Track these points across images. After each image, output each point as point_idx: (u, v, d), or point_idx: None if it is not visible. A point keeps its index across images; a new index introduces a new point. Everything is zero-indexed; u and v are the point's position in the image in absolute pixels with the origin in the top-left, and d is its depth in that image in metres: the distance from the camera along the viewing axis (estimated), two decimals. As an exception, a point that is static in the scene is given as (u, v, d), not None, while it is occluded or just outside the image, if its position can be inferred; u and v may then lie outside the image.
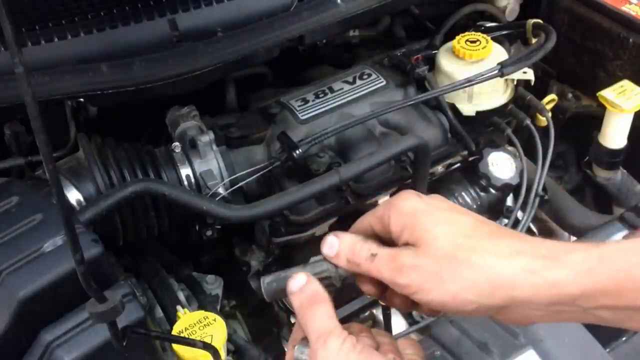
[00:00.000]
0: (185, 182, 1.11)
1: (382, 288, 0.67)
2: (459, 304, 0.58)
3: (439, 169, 1.29)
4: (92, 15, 1.11)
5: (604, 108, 1.30)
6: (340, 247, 0.65)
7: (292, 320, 1.16)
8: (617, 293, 0.54)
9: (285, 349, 1.15)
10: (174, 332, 0.92)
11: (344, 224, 1.20)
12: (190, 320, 0.93)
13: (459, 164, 1.30)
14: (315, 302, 0.63)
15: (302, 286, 0.64)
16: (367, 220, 0.67)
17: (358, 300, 1.17)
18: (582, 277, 0.55)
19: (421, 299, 0.60)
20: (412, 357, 0.64)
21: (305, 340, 0.64)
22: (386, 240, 0.65)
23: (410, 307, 0.67)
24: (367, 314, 1.20)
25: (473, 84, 1.20)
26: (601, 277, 0.54)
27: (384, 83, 1.28)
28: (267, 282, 0.68)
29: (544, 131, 1.29)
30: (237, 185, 1.12)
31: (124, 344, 0.73)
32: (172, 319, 1.01)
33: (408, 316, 1.22)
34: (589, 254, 0.56)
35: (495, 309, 0.58)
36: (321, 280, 0.66)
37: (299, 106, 1.23)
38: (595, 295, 0.55)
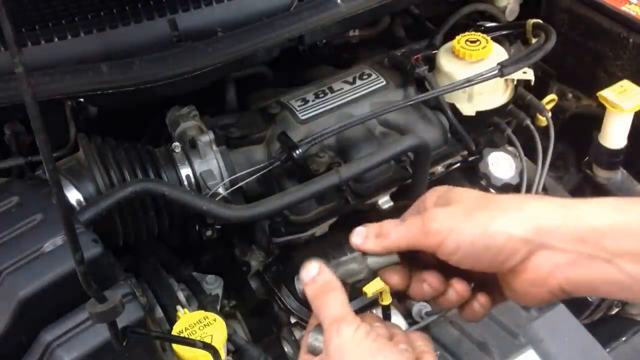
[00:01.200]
0: (185, 182, 1.11)
1: (407, 278, 0.67)
2: (489, 237, 0.57)
3: (439, 169, 1.28)
4: (92, 15, 1.11)
5: (604, 108, 1.30)
6: (367, 231, 0.65)
7: (292, 320, 1.16)
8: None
9: (285, 349, 1.16)
10: (174, 332, 0.92)
11: (344, 224, 1.21)
12: (190, 320, 0.93)
13: (459, 164, 1.30)
14: (328, 291, 0.63)
15: (315, 276, 0.64)
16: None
17: (358, 300, 1.17)
18: (610, 214, 0.54)
19: (450, 244, 0.59)
20: (422, 348, 0.64)
21: (319, 327, 0.64)
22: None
23: (435, 291, 0.66)
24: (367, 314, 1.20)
25: (473, 84, 1.20)
26: (629, 216, 0.54)
27: (384, 83, 1.28)
28: None
29: (544, 131, 1.29)
30: (237, 185, 1.12)
31: (124, 344, 0.73)
32: (172, 319, 1.01)
33: (408, 316, 1.22)
34: (618, 199, 0.56)
35: (523, 249, 0.56)
36: (350, 278, 0.67)
37: (299, 106, 1.23)
38: (622, 235, 0.53)
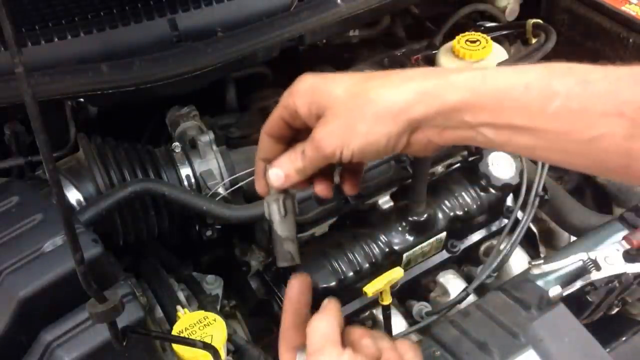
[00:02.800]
0: (185, 182, 1.11)
1: (330, 179, 0.73)
2: (374, 142, 0.63)
3: (439, 169, 1.28)
4: (92, 15, 1.11)
5: (604, 108, 1.30)
6: (284, 169, 0.69)
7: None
8: (498, 110, 0.59)
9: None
10: (174, 332, 0.92)
11: (343, 224, 1.21)
12: (190, 320, 0.93)
13: (459, 164, 1.30)
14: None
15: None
16: (276, 117, 0.71)
17: (358, 300, 1.17)
18: (466, 94, 0.60)
19: (348, 155, 0.64)
20: None
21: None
22: (301, 129, 0.69)
23: (354, 178, 0.74)
24: (367, 314, 1.20)
25: (473, 84, 1.19)
26: (483, 94, 0.59)
27: (384, 83, 1.28)
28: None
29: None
30: (237, 185, 1.12)
31: (124, 344, 0.73)
32: (172, 319, 1.01)
33: (408, 316, 1.22)
34: (474, 75, 0.61)
35: (403, 137, 0.63)
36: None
37: (299, 106, 1.23)
38: (478, 110, 0.59)
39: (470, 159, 1.29)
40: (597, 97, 0.55)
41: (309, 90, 0.66)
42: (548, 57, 1.28)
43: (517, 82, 0.59)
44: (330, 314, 0.67)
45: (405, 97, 0.62)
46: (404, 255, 1.20)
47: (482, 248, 1.33)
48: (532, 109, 0.57)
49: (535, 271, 1.00)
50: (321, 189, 0.73)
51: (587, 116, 0.55)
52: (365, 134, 0.62)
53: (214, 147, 1.13)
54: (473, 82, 0.60)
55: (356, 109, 0.63)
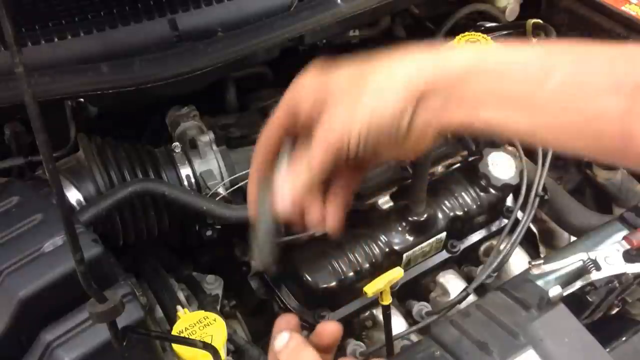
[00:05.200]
0: (185, 182, 1.11)
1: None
2: (379, 117, 0.60)
3: (439, 169, 1.28)
4: (92, 15, 1.11)
5: (604, 108, 1.29)
6: (288, 187, 0.64)
7: (292, 320, 1.16)
8: (496, 85, 0.58)
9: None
10: (174, 332, 0.92)
11: (344, 224, 1.21)
12: (190, 320, 0.93)
13: (459, 164, 1.30)
14: (300, 351, 0.67)
15: (287, 342, 0.68)
16: (275, 126, 0.67)
17: (358, 300, 1.17)
18: (465, 68, 0.60)
19: (355, 140, 0.60)
20: None
21: None
22: (301, 131, 0.66)
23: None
24: (367, 314, 1.20)
25: (473, 84, 1.19)
26: (482, 68, 0.59)
27: (384, 83, 1.28)
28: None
29: (544, 131, 1.28)
30: (237, 185, 1.12)
31: (124, 344, 0.73)
32: (172, 319, 1.01)
33: (408, 316, 1.22)
34: (472, 50, 0.63)
35: (407, 113, 0.60)
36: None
37: (299, 106, 1.23)
38: (477, 85, 0.59)
39: (470, 159, 1.29)
40: (594, 75, 0.55)
41: (312, 85, 0.64)
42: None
43: (515, 58, 0.59)
44: (310, 348, 0.68)
45: (407, 70, 0.61)
46: (404, 255, 1.20)
47: (482, 248, 1.33)
48: (531, 85, 0.57)
49: (535, 271, 1.00)
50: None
51: (584, 93, 0.55)
52: (370, 111, 0.60)
53: (214, 147, 1.13)
54: (472, 57, 0.60)
55: (358, 89, 0.61)
